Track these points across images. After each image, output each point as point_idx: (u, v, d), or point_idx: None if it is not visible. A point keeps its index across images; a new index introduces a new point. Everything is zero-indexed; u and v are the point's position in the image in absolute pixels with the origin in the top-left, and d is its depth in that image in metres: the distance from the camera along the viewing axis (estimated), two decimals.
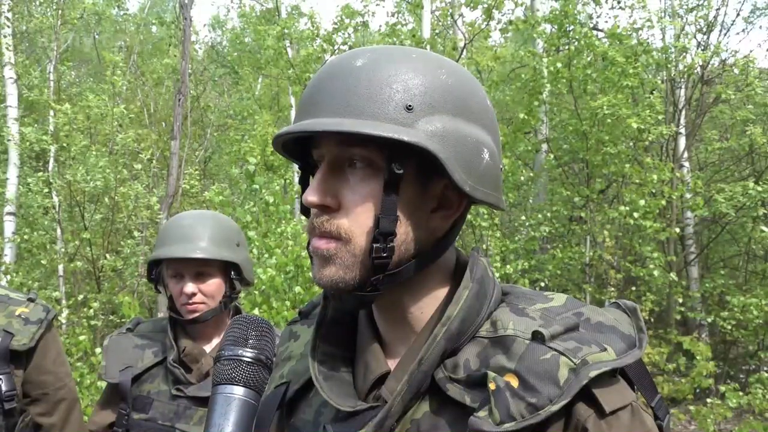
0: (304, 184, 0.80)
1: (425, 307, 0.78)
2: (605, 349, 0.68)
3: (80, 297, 6.27)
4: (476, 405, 0.68)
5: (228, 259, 1.67)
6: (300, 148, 0.80)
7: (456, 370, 0.72)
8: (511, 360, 0.69)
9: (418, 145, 0.67)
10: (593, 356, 0.67)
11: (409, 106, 0.69)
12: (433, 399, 0.72)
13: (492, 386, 0.67)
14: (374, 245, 0.70)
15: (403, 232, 0.72)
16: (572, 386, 0.65)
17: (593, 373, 0.66)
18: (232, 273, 1.72)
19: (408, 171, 0.70)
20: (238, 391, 0.73)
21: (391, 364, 0.78)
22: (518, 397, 0.66)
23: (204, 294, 1.67)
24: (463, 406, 0.69)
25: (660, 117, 7.72)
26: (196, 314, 1.67)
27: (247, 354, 0.75)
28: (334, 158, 0.73)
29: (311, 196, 0.72)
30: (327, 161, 0.74)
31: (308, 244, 0.77)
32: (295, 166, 0.85)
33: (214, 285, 1.68)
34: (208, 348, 1.74)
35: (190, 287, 1.65)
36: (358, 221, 0.72)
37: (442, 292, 0.78)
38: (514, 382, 0.67)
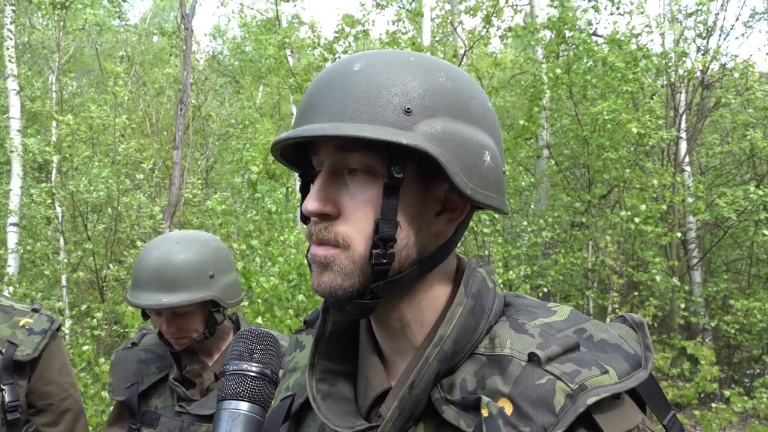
0: (304, 192, 0.79)
1: (424, 319, 0.75)
2: (606, 372, 0.65)
3: (83, 307, 6.27)
4: (470, 430, 0.66)
5: (200, 301, 1.60)
6: (299, 155, 0.78)
7: (452, 391, 0.69)
8: (507, 383, 0.66)
9: (417, 148, 0.65)
10: (592, 380, 0.64)
11: (408, 109, 0.67)
12: (429, 422, 0.70)
13: (485, 412, 0.64)
14: (374, 251, 0.68)
15: (404, 237, 0.70)
16: (568, 414, 0.62)
17: (591, 400, 0.62)
18: (211, 305, 1.66)
19: (409, 175, 0.69)
20: (244, 407, 0.72)
21: (393, 379, 0.77)
22: (511, 426, 0.63)
23: (185, 330, 1.64)
24: (459, 430, 0.67)
25: (660, 121, 7.73)
26: (184, 345, 1.66)
27: (253, 369, 0.74)
28: (333, 165, 0.72)
29: (311, 204, 0.70)
30: (326, 168, 0.72)
31: (308, 251, 0.75)
32: (297, 174, 0.85)
33: (193, 322, 1.64)
34: (210, 362, 1.74)
35: (168, 328, 1.62)
36: (357, 227, 0.70)
37: (441, 303, 0.76)
38: (508, 409, 0.64)
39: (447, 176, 0.67)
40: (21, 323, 1.73)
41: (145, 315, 1.73)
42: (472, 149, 0.70)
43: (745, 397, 6.10)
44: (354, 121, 0.67)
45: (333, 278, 0.70)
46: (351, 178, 0.71)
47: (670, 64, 7.77)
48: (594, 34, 8.25)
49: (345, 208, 0.71)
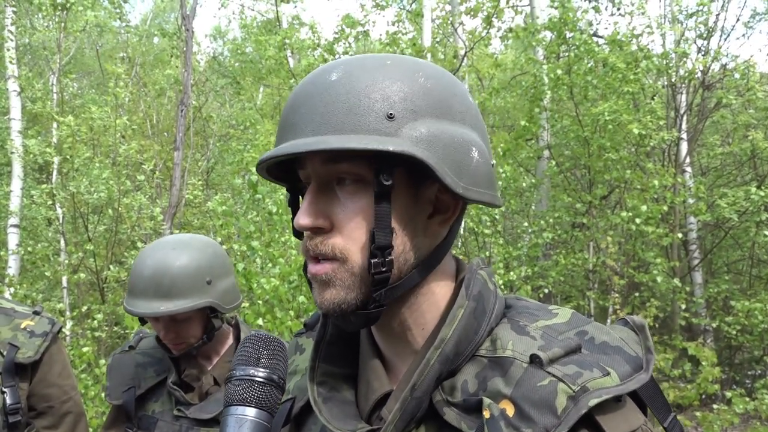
0: (293, 205, 0.79)
1: (425, 322, 0.75)
2: (608, 374, 0.65)
3: (84, 308, 6.27)
4: None
5: (197, 307, 1.58)
6: (285, 169, 0.78)
7: (453, 393, 0.69)
8: (508, 385, 0.66)
9: (404, 154, 0.65)
10: (594, 382, 0.64)
11: (391, 114, 0.67)
12: (430, 424, 0.70)
13: (486, 414, 0.64)
14: (372, 261, 0.68)
15: (401, 243, 0.70)
16: (571, 415, 0.62)
17: (593, 402, 0.62)
18: (209, 310, 1.66)
19: (398, 180, 0.69)
20: (251, 413, 0.71)
21: (394, 382, 0.77)
22: (513, 427, 0.63)
23: (183, 336, 1.63)
24: None
25: (661, 122, 7.72)
26: (182, 351, 1.66)
27: (260, 374, 0.72)
28: (321, 177, 0.71)
29: (303, 220, 0.70)
30: (315, 181, 0.72)
31: (304, 267, 0.75)
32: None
33: (192, 328, 1.64)
34: (209, 366, 1.73)
35: (166, 334, 1.62)
36: (352, 238, 0.69)
37: (441, 305, 0.76)
38: (510, 410, 0.64)
39: (437, 178, 0.67)
40: (22, 326, 1.72)
41: (143, 319, 1.72)
42: (459, 147, 0.70)
43: (747, 398, 6.09)
44: (338, 132, 0.66)
45: (336, 293, 0.70)
46: (340, 189, 0.71)
47: (670, 64, 7.77)
48: (595, 34, 8.25)
49: (338, 220, 0.70)
